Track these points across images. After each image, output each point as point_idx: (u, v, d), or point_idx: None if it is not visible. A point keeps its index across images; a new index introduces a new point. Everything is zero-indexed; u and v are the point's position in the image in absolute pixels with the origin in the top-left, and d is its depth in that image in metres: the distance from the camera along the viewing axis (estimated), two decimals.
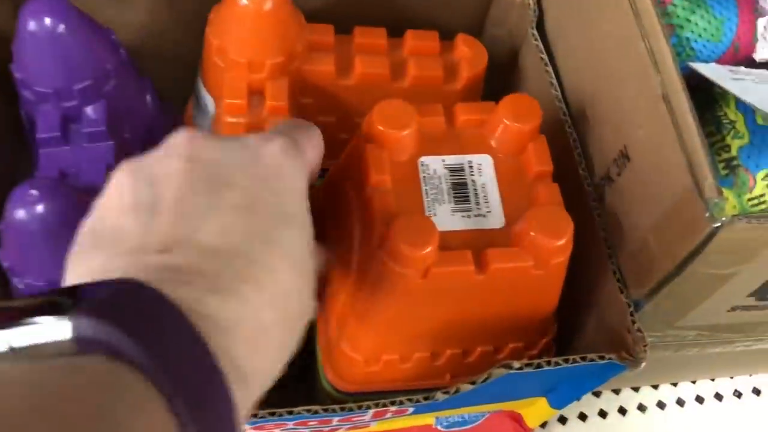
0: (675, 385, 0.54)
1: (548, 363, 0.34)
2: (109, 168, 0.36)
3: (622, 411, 0.53)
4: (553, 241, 0.32)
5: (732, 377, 0.54)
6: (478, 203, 0.35)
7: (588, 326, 0.39)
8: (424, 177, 0.36)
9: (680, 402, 0.53)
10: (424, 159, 0.36)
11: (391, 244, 0.31)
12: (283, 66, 0.40)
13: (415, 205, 0.35)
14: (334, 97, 0.43)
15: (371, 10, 0.46)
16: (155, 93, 0.43)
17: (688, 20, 0.35)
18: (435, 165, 0.36)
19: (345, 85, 0.42)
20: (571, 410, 0.53)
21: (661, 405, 0.53)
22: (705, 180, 0.29)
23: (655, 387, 0.54)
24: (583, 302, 0.39)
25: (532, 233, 0.32)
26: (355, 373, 0.38)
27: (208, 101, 0.43)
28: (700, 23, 0.34)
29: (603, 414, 0.53)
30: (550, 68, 0.42)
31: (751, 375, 0.55)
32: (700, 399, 0.54)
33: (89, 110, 0.37)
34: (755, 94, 0.30)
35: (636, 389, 0.54)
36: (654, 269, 0.33)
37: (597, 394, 0.53)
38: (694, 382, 0.54)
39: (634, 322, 0.35)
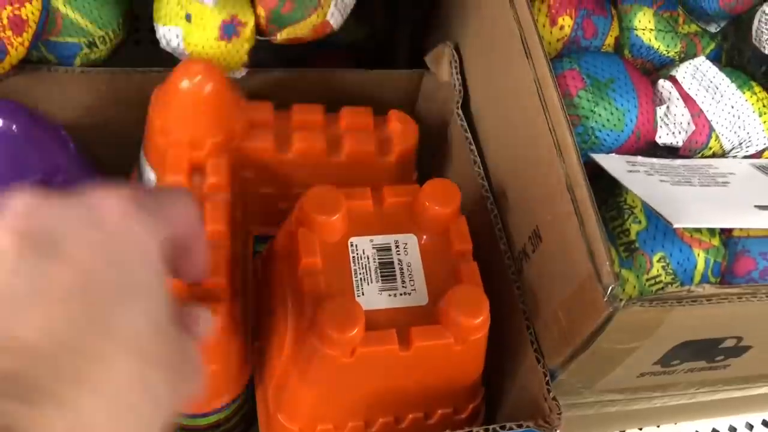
0: None
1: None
2: None
3: None
4: (472, 319, 0.35)
5: (675, 423, 0.57)
6: (404, 282, 0.37)
7: (512, 392, 0.42)
8: (353, 257, 0.38)
9: None
10: (353, 239, 0.38)
11: (320, 327, 0.33)
12: (224, 144, 0.42)
13: (345, 286, 0.37)
14: (274, 170, 0.45)
15: (310, 86, 0.49)
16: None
17: (593, 111, 0.38)
18: (363, 245, 0.38)
19: (284, 159, 0.44)
20: None
21: None
22: (602, 267, 0.32)
23: None
24: (506, 369, 0.42)
25: (452, 312, 0.35)
26: None
27: (151, 175, 0.44)
28: (603, 114, 0.38)
29: None
30: (473, 146, 0.44)
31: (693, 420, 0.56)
32: None
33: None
34: (645, 186, 0.33)
35: None
36: (565, 343, 0.36)
37: None
38: (640, 429, 0.56)
39: (549, 391, 0.37)
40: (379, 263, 0.38)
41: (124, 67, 0.46)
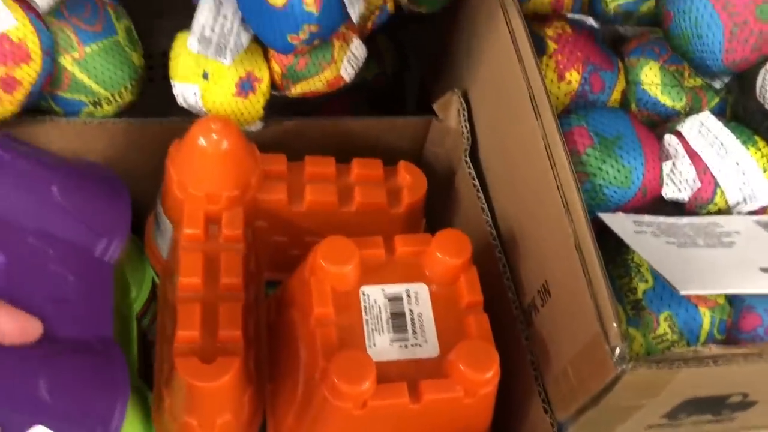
0: None
1: None
2: None
3: None
4: (481, 374, 0.35)
5: None
6: (415, 333, 0.38)
7: None
8: (365, 306, 0.39)
9: None
10: (365, 288, 0.39)
11: (331, 380, 0.34)
12: (239, 197, 0.43)
13: (356, 337, 0.38)
14: (287, 220, 0.46)
15: (321, 133, 0.50)
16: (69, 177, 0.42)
17: (600, 169, 0.39)
18: (375, 294, 0.39)
19: (296, 211, 0.45)
20: None
21: None
22: (610, 328, 0.32)
23: None
24: (514, 419, 0.42)
25: (462, 366, 0.35)
26: None
27: (168, 225, 0.45)
28: (611, 172, 0.39)
29: None
30: (481, 195, 0.45)
31: None
32: None
33: None
34: (651, 250, 0.34)
35: None
36: (573, 398, 0.36)
37: None
38: None
39: None
40: (391, 314, 0.38)
41: (139, 106, 0.48)
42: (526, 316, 0.42)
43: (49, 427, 0.35)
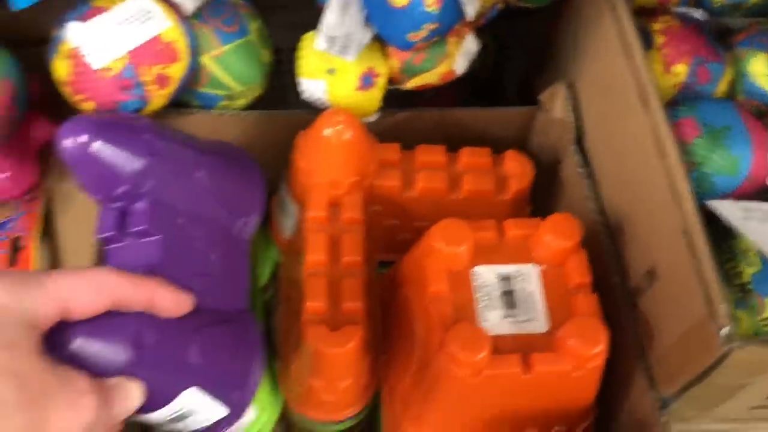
0: None
1: None
2: (154, 263, 0.39)
3: None
4: (590, 348, 0.38)
5: None
6: (525, 310, 0.41)
7: (622, 415, 0.44)
8: (476, 285, 0.42)
9: None
10: (477, 269, 0.42)
11: (449, 349, 0.37)
12: (358, 183, 0.47)
13: (469, 312, 0.41)
14: (399, 205, 0.49)
15: (431, 124, 0.53)
16: (212, 162, 0.44)
17: (708, 158, 0.40)
18: (487, 274, 0.42)
19: (409, 196, 0.49)
20: None
21: None
22: (718, 308, 0.34)
23: None
24: (617, 393, 0.44)
25: (571, 341, 0.38)
26: None
27: (293, 207, 0.50)
28: (718, 161, 0.40)
29: None
30: (588, 182, 0.47)
31: None
32: None
33: (137, 207, 0.40)
34: (758, 233, 0.35)
35: None
36: (679, 375, 0.38)
37: None
38: None
39: (661, 416, 0.40)
40: (502, 292, 0.41)
41: (266, 95, 0.52)
42: (631, 298, 0.44)
43: (201, 389, 0.38)
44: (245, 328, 0.42)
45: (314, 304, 0.42)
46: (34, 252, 0.52)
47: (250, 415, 0.47)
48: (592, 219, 0.46)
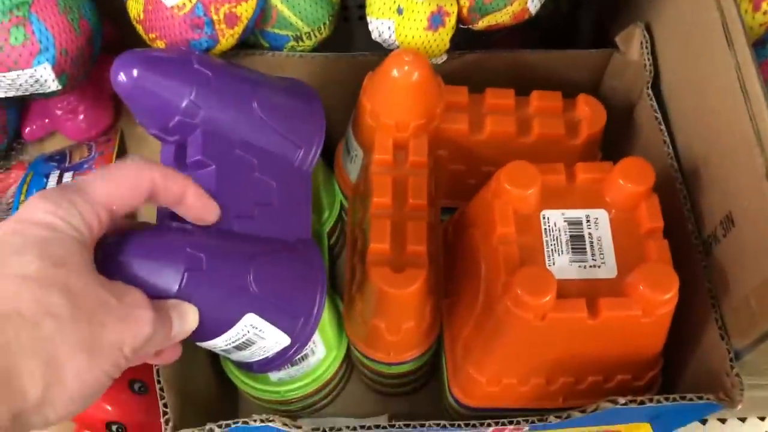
0: None
1: (650, 400, 0.38)
2: (212, 191, 0.38)
3: None
4: (661, 294, 0.37)
5: None
6: (593, 255, 0.40)
7: (690, 366, 0.43)
8: (545, 229, 0.41)
9: None
10: (545, 212, 0.41)
11: (514, 291, 0.37)
12: (425, 126, 0.46)
13: (537, 256, 0.40)
14: (466, 149, 0.49)
15: (500, 66, 0.52)
16: (268, 92, 0.44)
17: None
18: (555, 218, 0.41)
19: (476, 140, 0.48)
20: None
21: None
22: None
23: (762, 419, 0.56)
24: (687, 344, 0.43)
25: (641, 287, 0.37)
26: (478, 391, 0.44)
27: (358, 151, 0.50)
28: None
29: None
30: (663, 127, 0.46)
31: None
32: None
33: (189, 141, 0.41)
34: None
35: (743, 420, 0.57)
36: (753, 326, 0.37)
37: (703, 422, 0.57)
38: None
39: (732, 367, 0.39)
40: (570, 236, 0.40)
41: (334, 42, 0.52)
42: (705, 246, 0.42)
43: (260, 316, 0.39)
44: (307, 258, 0.43)
45: (379, 245, 0.42)
46: None
47: (319, 353, 0.48)
48: (667, 164, 0.45)
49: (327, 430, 0.41)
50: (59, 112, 0.58)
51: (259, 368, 0.43)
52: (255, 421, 0.38)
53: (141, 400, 0.48)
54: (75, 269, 0.30)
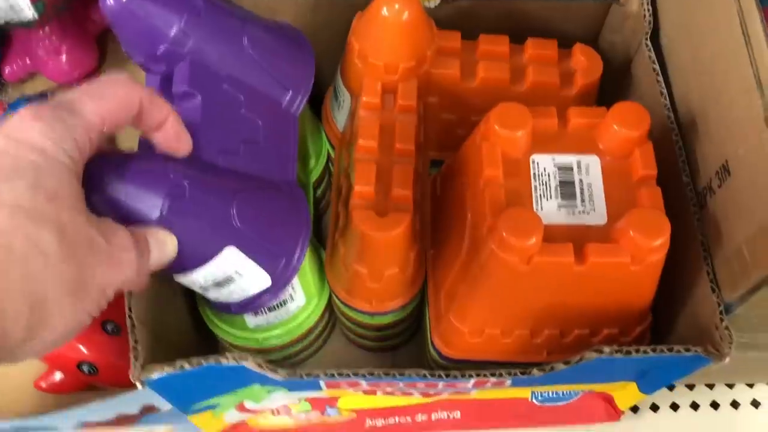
0: None
1: (637, 351, 0.37)
2: (194, 125, 0.37)
3: (714, 405, 0.55)
4: (651, 240, 0.36)
5: None
6: (583, 201, 0.39)
7: (680, 320, 0.42)
8: (534, 173, 0.40)
9: None
10: (535, 157, 0.40)
11: (499, 233, 0.36)
12: (414, 69, 0.45)
13: (524, 199, 0.39)
14: (457, 97, 0.47)
15: (495, 15, 0.50)
16: (258, 31, 0.43)
17: None
18: (545, 163, 0.40)
19: (468, 87, 0.46)
20: (664, 399, 0.55)
21: (755, 404, 0.55)
22: None
23: (750, 386, 0.55)
24: (677, 298, 0.42)
25: (631, 232, 0.36)
26: (460, 342, 0.43)
27: (346, 96, 0.48)
28: None
29: (695, 406, 0.55)
30: (661, 79, 0.44)
31: None
32: None
33: (175, 71, 0.40)
34: None
35: (730, 386, 0.56)
36: (746, 277, 0.36)
37: (690, 387, 0.56)
38: None
39: (722, 320, 0.37)
40: (560, 182, 0.39)
41: None
42: (700, 199, 0.41)
43: (242, 251, 0.38)
44: (292, 200, 0.42)
45: (363, 188, 0.41)
46: None
47: (299, 300, 0.47)
48: (664, 117, 0.43)
49: (303, 375, 0.40)
50: (41, 52, 0.56)
51: (237, 309, 0.42)
52: (228, 359, 0.37)
53: (113, 341, 0.47)
54: (66, 204, 0.29)
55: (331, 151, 0.53)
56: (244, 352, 0.50)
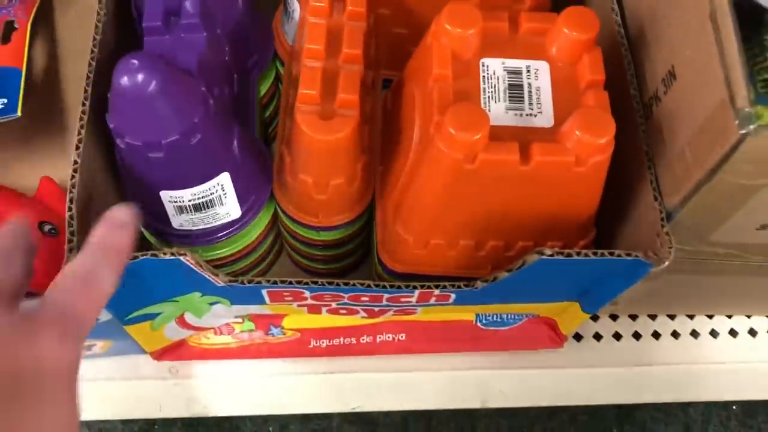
0: (710, 317, 0.56)
1: (578, 254, 0.37)
2: (200, 57, 0.40)
3: (656, 335, 0.56)
4: (595, 139, 0.35)
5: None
6: (531, 104, 0.38)
7: (623, 234, 0.42)
8: (483, 77, 0.39)
9: (714, 333, 0.56)
10: (485, 60, 0.39)
11: (446, 128, 0.35)
12: None
13: (473, 100, 0.38)
14: (409, 10, 0.46)
15: None
16: None
17: None
18: (495, 66, 0.39)
19: None
20: (607, 329, 0.56)
21: (694, 334, 0.56)
22: (738, 92, 0.31)
23: (690, 317, 0.56)
24: (621, 211, 0.42)
25: (577, 132, 0.35)
26: (405, 253, 0.43)
27: (296, 6, 0.47)
28: None
29: (637, 336, 0.56)
30: None
31: None
32: (733, 333, 0.56)
33: (187, 4, 0.40)
34: None
35: (672, 317, 0.57)
36: (687, 178, 0.36)
37: (633, 318, 0.56)
38: (729, 317, 0.56)
39: (663, 226, 0.38)
40: (509, 84, 0.39)
41: None
42: (646, 110, 0.41)
43: (232, 179, 0.41)
44: (260, 145, 0.46)
45: (308, 92, 0.40)
46: (28, 32, 0.50)
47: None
48: (615, 31, 0.43)
49: (245, 281, 0.39)
50: None
51: (197, 240, 0.44)
52: (165, 254, 0.36)
53: (51, 242, 0.45)
54: None
55: (280, 68, 0.52)
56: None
